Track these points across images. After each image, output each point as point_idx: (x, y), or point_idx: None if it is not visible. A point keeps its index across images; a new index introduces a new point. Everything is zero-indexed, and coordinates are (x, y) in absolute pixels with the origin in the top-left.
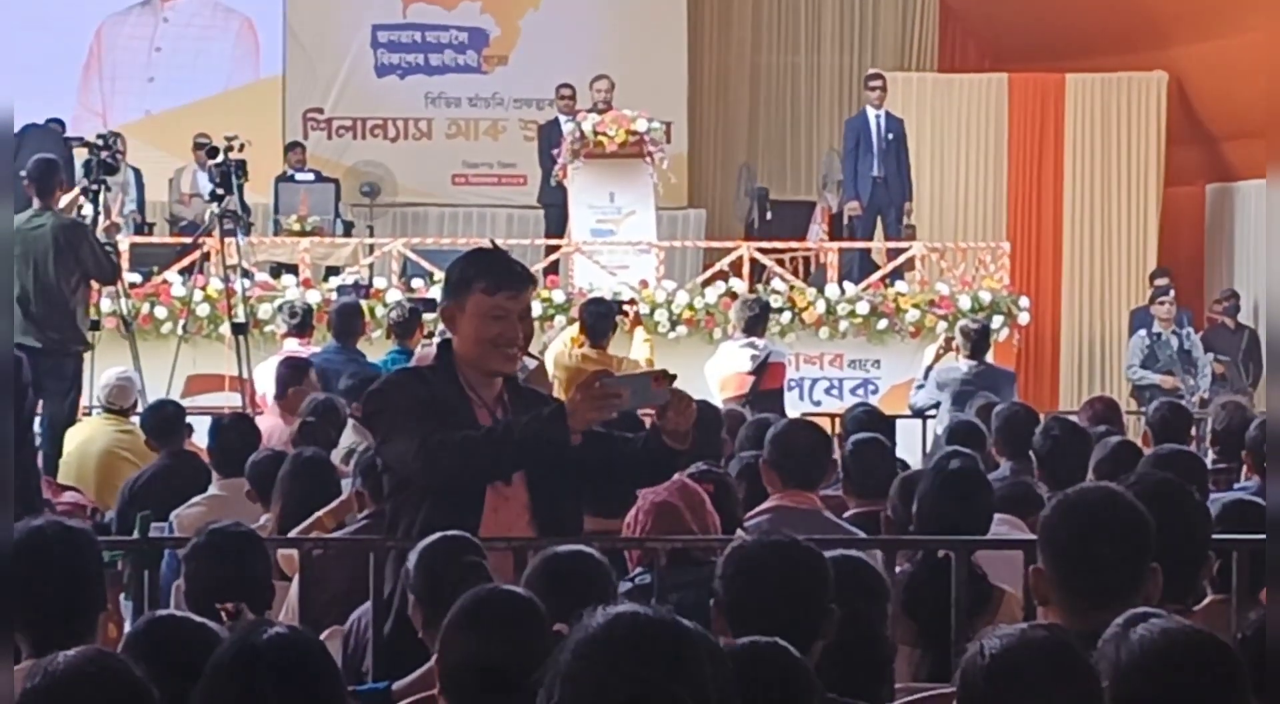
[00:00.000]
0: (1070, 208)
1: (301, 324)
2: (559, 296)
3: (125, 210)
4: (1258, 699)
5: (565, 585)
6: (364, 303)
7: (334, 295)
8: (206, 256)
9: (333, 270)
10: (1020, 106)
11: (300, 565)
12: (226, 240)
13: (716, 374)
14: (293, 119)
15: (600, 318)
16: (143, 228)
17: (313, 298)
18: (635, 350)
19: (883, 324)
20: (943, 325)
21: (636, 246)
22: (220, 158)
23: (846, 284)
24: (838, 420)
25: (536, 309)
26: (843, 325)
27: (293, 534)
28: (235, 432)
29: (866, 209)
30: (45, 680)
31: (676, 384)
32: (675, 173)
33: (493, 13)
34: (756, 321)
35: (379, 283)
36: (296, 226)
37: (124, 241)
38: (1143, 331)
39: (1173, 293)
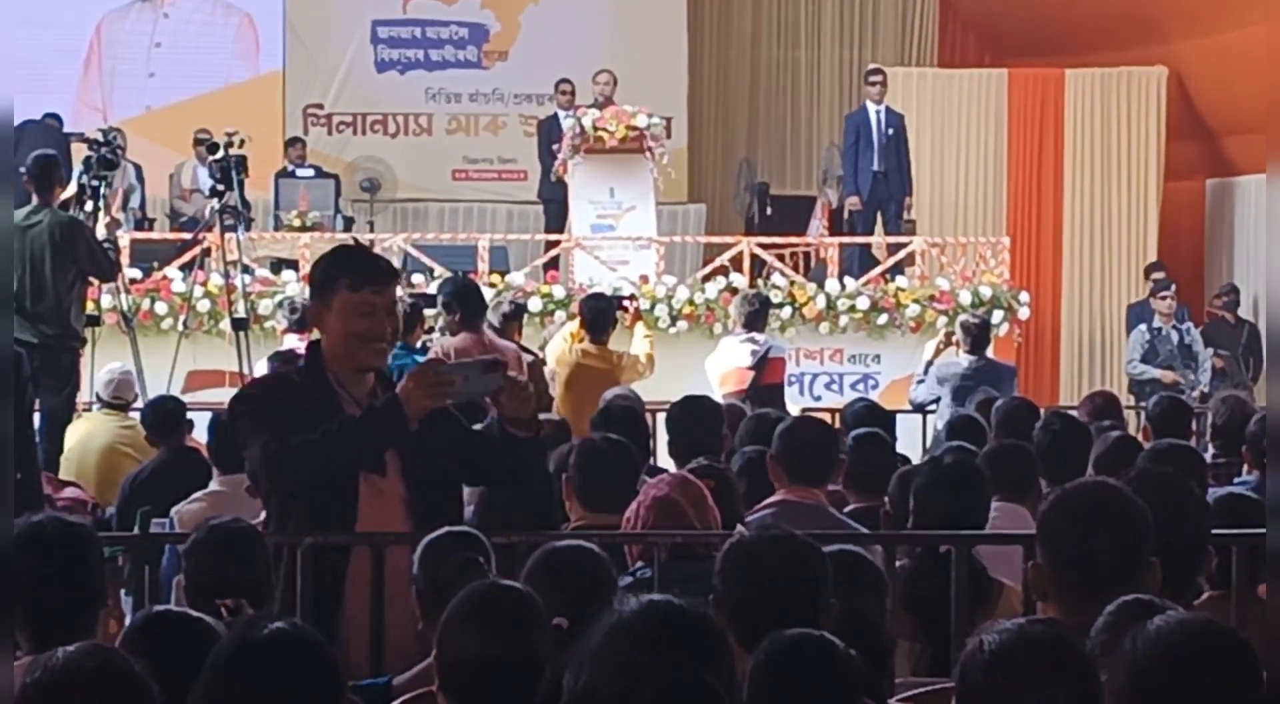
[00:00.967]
0: (1070, 203)
1: (302, 320)
2: (559, 292)
3: (129, 205)
4: None
5: (565, 579)
6: None
7: None
8: (207, 252)
9: None
10: (1020, 101)
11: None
12: (227, 236)
13: (717, 369)
14: (293, 114)
15: (600, 313)
16: (143, 223)
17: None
18: (635, 346)
19: (883, 319)
20: (943, 320)
21: (637, 242)
22: (220, 153)
23: (847, 279)
24: (838, 416)
25: (536, 304)
26: (843, 320)
27: None
28: None
29: (867, 204)
30: (45, 675)
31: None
32: (675, 168)
33: (493, 8)
34: (757, 317)
35: None
36: (297, 222)
37: (124, 237)
38: (1143, 326)
39: (1174, 287)
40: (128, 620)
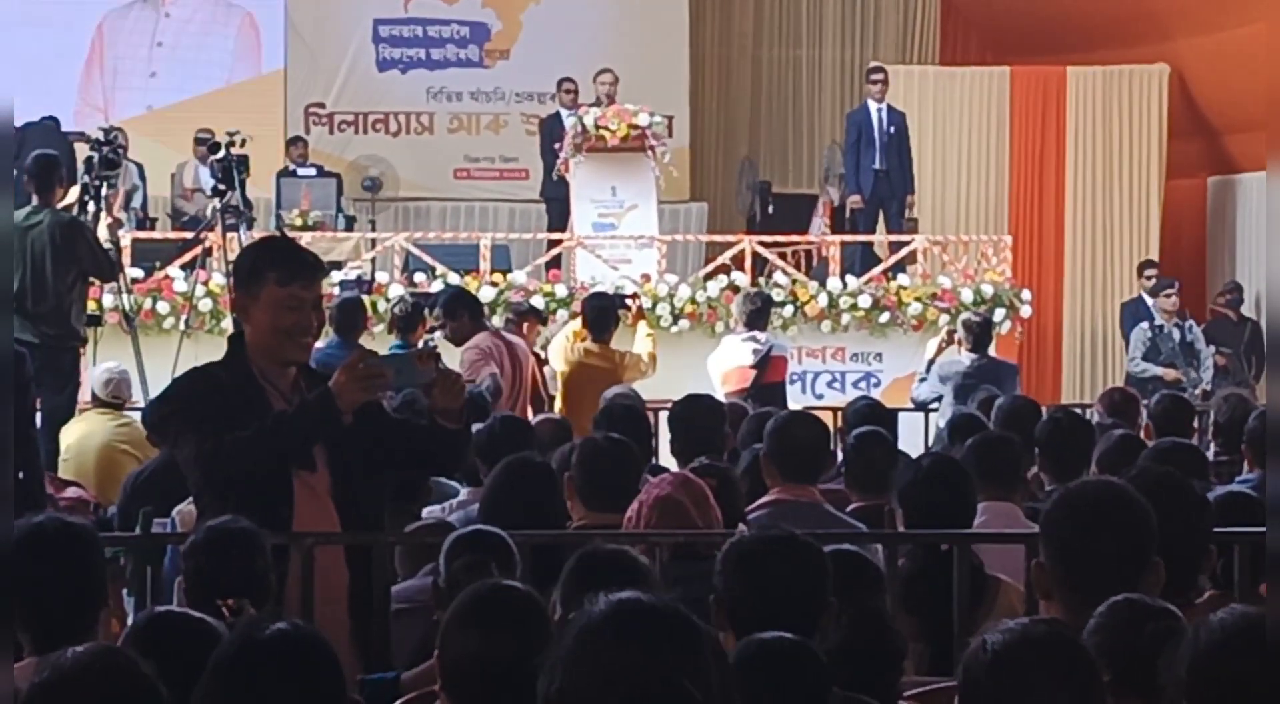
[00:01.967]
0: (1072, 201)
1: None
2: (561, 291)
3: (130, 205)
4: None
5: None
6: (366, 298)
7: (336, 290)
8: (209, 252)
9: (335, 265)
10: (1022, 99)
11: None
12: (229, 235)
13: (718, 368)
14: (294, 114)
15: (602, 312)
16: (145, 223)
17: None
18: (638, 344)
19: (885, 317)
20: (945, 318)
21: (638, 240)
22: (222, 153)
23: (848, 277)
24: (839, 414)
25: (539, 304)
26: (845, 319)
27: None
28: None
29: (868, 202)
30: (54, 676)
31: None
32: (677, 166)
33: (494, 7)
34: (758, 315)
35: (381, 278)
36: (298, 221)
37: (126, 237)
38: (1144, 324)
39: (1178, 285)
40: (129, 620)
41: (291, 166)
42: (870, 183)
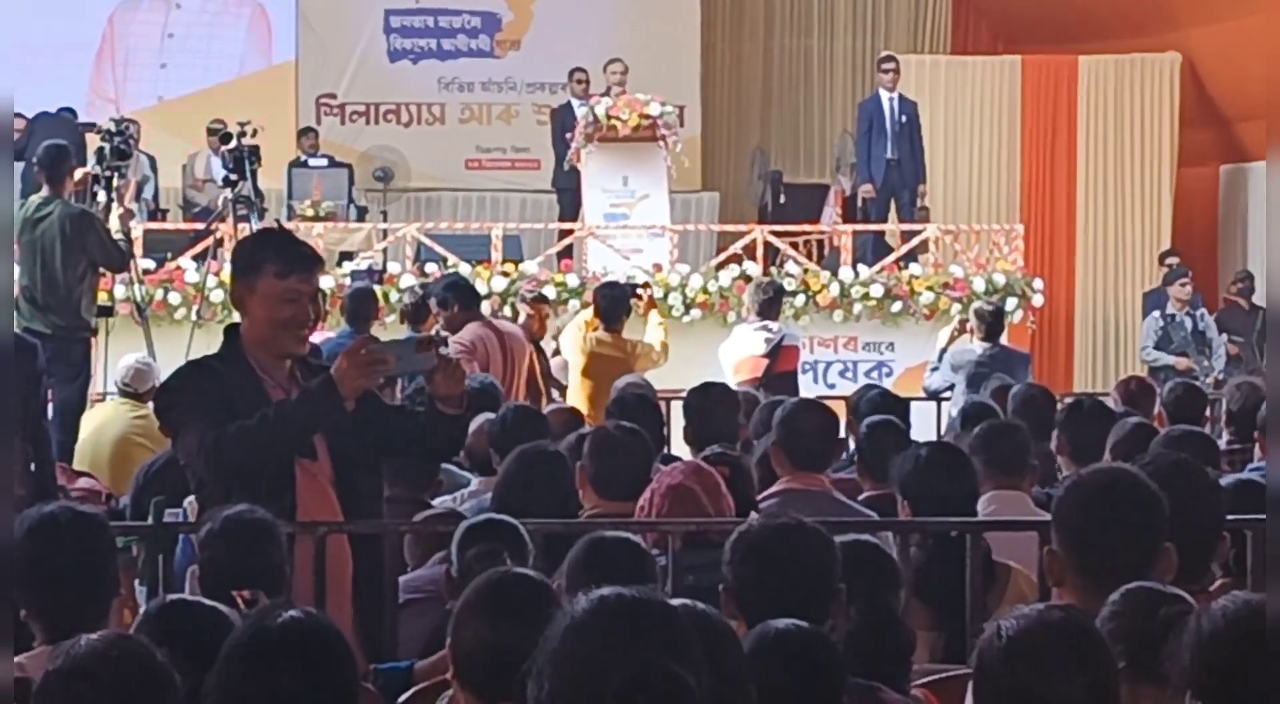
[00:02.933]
0: (1084, 189)
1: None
2: (573, 281)
3: (142, 196)
4: None
5: (607, 573)
6: (378, 288)
7: (348, 280)
8: (220, 242)
9: (346, 255)
10: (1033, 88)
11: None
12: (240, 226)
13: (731, 357)
14: (306, 104)
15: (614, 302)
16: (156, 214)
17: (326, 283)
18: (649, 334)
19: (897, 307)
20: (957, 307)
21: (650, 230)
22: (233, 143)
23: (860, 267)
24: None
25: (550, 294)
26: (857, 308)
27: None
28: None
29: (880, 192)
30: (69, 664)
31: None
32: (688, 156)
33: None
34: (770, 305)
35: (393, 268)
36: (310, 212)
37: (138, 228)
38: (1156, 313)
39: (1191, 274)
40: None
41: (303, 157)
42: (882, 172)
